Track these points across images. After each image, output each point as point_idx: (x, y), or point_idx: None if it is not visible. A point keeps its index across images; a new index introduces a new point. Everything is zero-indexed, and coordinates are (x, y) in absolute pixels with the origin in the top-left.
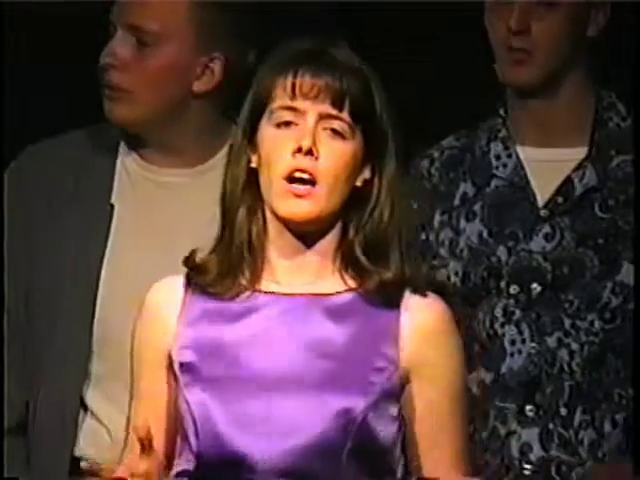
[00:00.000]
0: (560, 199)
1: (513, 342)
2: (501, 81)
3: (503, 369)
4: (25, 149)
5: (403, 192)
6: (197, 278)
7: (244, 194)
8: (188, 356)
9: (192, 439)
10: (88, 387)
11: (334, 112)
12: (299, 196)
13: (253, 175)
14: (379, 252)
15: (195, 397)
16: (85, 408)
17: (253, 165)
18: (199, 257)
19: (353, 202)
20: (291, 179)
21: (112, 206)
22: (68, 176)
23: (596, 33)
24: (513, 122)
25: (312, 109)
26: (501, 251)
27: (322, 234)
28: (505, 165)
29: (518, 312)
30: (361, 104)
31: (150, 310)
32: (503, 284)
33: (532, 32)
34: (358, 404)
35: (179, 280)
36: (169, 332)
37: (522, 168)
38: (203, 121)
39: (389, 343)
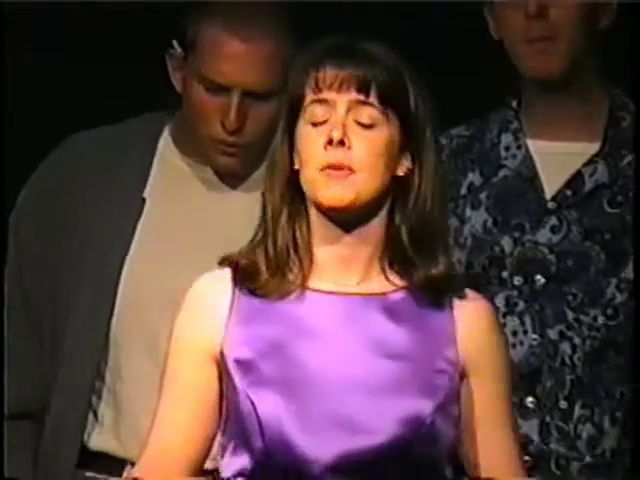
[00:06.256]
0: (569, 192)
1: (515, 333)
2: (525, 77)
3: None
4: (64, 140)
5: (444, 185)
6: (245, 282)
7: (287, 195)
8: (245, 353)
9: (255, 439)
10: (107, 380)
11: (362, 98)
12: (337, 178)
13: (295, 176)
14: (425, 245)
15: (261, 398)
16: (103, 399)
17: (296, 167)
18: (242, 259)
19: (397, 194)
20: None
21: (143, 200)
22: (103, 169)
23: (605, 25)
24: (525, 115)
25: (340, 99)
26: (506, 241)
27: (367, 224)
28: (514, 156)
29: (521, 303)
30: (389, 89)
31: (198, 303)
32: (506, 274)
33: (550, 17)
34: (426, 408)
35: (227, 274)
36: (220, 327)
37: (531, 160)
38: None
39: (447, 343)
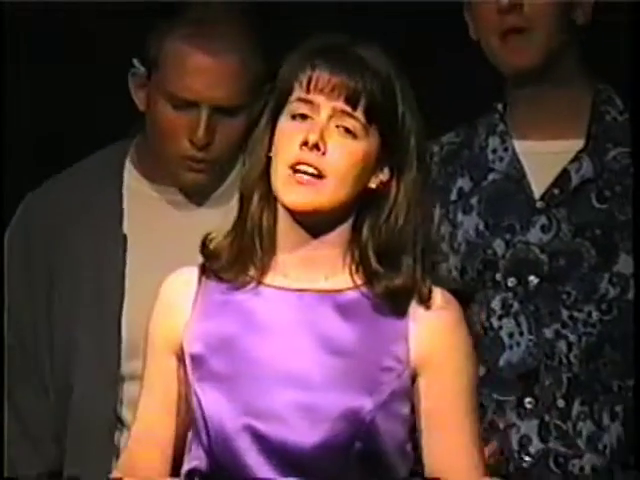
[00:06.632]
0: (556, 191)
1: (511, 335)
2: (502, 71)
3: (501, 362)
4: (25, 199)
5: (424, 199)
6: (210, 263)
7: (260, 182)
8: (198, 348)
9: (203, 436)
10: (124, 416)
11: (348, 109)
12: (302, 184)
13: (270, 165)
14: (391, 256)
15: (206, 393)
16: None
17: (271, 155)
18: (214, 243)
19: (370, 203)
20: (295, 170)
21: (124, 236)
22: (77, 215)
23: (583, 22)
24: (511, 116)
25: (326, 104)
26: (497, 244)
27: (332, 229)
28: (502, 158)
29: (516, 305)
30: (378, 105)
31: (164, 300)
32: (499, 277)
33: (524, 10)
34: (366, 404)
35: (193, 271)
36: (182, 322)
37: (518, 161)
38: None
39: (398, 342)
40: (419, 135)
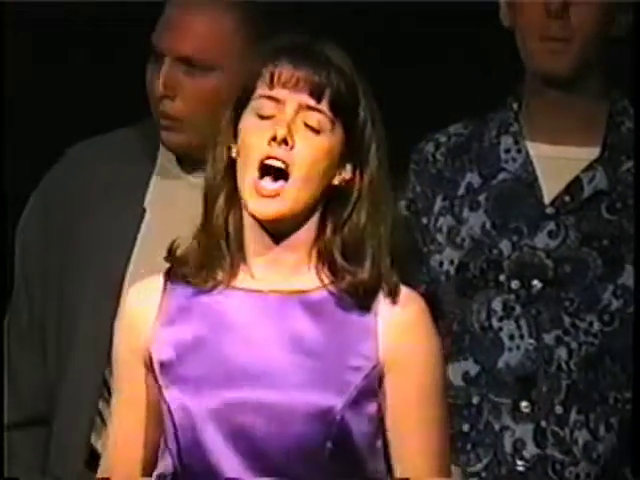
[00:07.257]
0: (567, 198)
1: (511, 337)
2: (532, 71)
3: (500, 363)
4: (64, 154)
5: (388, 195)
6: (178, 269)
7: (224, 183)
8: (166, 354)
9: (171, 443)
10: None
11: (312, 103)
12: (265, 196)
13: (234, 165)
14: (356, 253)
15: (174, 398)
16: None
17: (233, 155)
18: (181, 248)
19: (333, 201)
20: (263, 170)
21: (144, 210)
22: (104, 179)
23: (619, 33)
24: (526, 117)
25: (291, 99)
26: (504, 244)
27: (298, 228)
28: (514, 159)
29: (518, 307)
30: (342, 98)
31: (127, 312)
32: (503, 278)
33: (571, 19)
34: (335, 404)
35: (157, 280)
36: (147, 333)
37: (531, 164)
38: None
39: (366, 340)
40: (380, 136)
